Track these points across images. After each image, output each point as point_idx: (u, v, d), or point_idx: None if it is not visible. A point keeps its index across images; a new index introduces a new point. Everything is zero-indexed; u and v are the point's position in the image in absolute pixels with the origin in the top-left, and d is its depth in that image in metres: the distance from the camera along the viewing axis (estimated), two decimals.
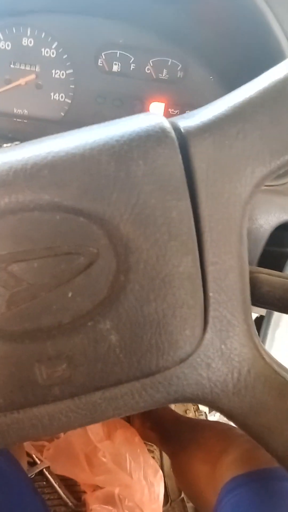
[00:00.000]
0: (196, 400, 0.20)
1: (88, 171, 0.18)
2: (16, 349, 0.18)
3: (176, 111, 0.59)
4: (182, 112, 0.59)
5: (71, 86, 0.58)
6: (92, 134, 0.20)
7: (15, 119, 0.59)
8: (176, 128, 0.20)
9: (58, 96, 0.59)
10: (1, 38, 0.57)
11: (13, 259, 0.19)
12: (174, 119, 0.22)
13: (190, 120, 0.20)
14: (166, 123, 0.20)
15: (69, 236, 0.18)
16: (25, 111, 0.59)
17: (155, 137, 0.19)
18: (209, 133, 0.19)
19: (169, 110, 0.59)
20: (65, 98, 0.59)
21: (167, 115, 0.59)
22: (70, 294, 0.18)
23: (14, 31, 0.57)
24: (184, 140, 0.19)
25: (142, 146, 0.19)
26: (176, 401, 0.20)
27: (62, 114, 0.59)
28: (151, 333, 0.19)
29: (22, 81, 0.58)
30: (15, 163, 0.18)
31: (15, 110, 0.59)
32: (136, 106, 0.58)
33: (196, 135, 0.19)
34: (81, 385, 0.19)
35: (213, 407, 0.21)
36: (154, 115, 0.22)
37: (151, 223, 0.18)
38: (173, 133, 0.19)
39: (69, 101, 0.59)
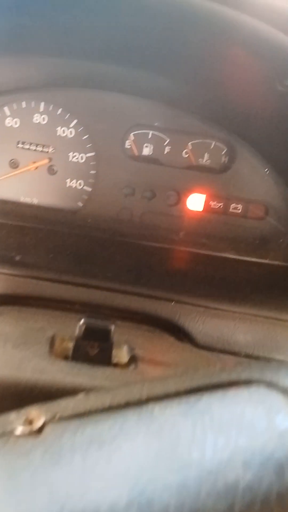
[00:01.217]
0: None
1: None
2: None
3: (220, 205, 0.48)
4: (227, 206, 0.48)
5: (92, 172, 0.48)
6: (189, 462, 0.14)
7: (22, 209, 0.48)
8: None
9: (76, 183, 0.48)
10: (8, 113, 0.46)
11: None
12: None
13: None
14: None
15: None
16: (34, 200, 0.48)
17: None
18: None
19: (211, 203, 0.48)
20: (84, 185, 0.48)
21: (208, 208, 0.48)
22: None
23: (24, 105, 0.46)
24: None
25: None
26: None
27: (81, 204, 0.48)
28: None
29: (32, 165, 0.47)
30: None
31: (22, 199, 0.48)
32: (171, 198, 0.48)
33: None
34: None
35: None
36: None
37: None
38: None
39: (89, 189, 0.48)
